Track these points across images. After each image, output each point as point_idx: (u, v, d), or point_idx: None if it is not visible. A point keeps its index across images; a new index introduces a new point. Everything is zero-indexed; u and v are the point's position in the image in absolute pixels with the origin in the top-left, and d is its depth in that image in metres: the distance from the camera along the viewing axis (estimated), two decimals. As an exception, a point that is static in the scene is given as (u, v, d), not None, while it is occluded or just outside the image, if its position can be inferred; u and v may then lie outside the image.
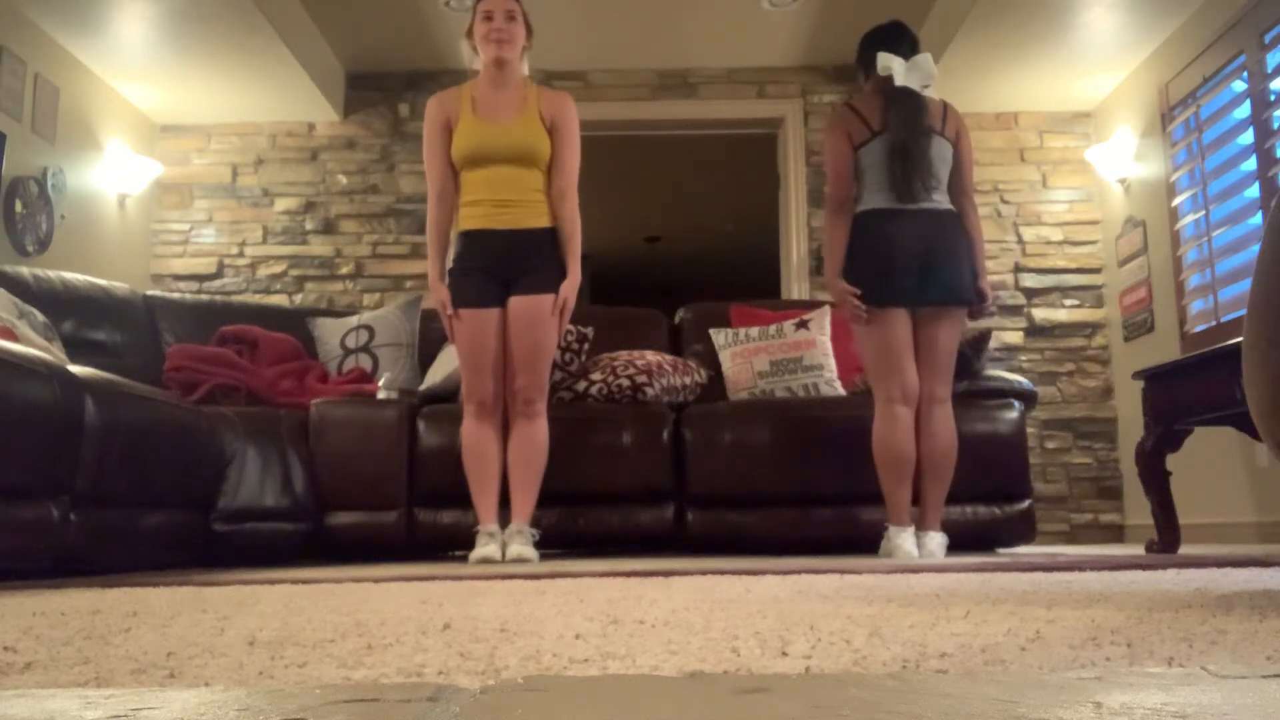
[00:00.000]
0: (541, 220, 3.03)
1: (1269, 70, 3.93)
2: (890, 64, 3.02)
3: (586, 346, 3.75)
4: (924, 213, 2.94)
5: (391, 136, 5.45)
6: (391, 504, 3.37)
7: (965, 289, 2.97)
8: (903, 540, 2.87)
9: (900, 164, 2.94)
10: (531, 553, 2.91)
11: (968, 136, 3.11)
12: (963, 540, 3.41)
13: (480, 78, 3.11)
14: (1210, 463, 4.09)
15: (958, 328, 3.03)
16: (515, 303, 3.01)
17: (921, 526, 2.96)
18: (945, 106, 3.08)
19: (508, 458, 3.04)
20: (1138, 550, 3.55)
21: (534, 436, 3.02)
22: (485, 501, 3.00)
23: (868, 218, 2.98)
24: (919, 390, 2.98)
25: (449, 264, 3.10)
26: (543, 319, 3.00)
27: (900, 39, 3.09)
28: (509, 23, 3.04)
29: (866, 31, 3.18)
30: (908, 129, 2.95)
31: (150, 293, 4.12)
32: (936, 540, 2.94)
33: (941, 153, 3.00)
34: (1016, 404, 3.53)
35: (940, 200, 2.98)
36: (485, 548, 2.90)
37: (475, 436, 3.02)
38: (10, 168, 4.07)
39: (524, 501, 3.01)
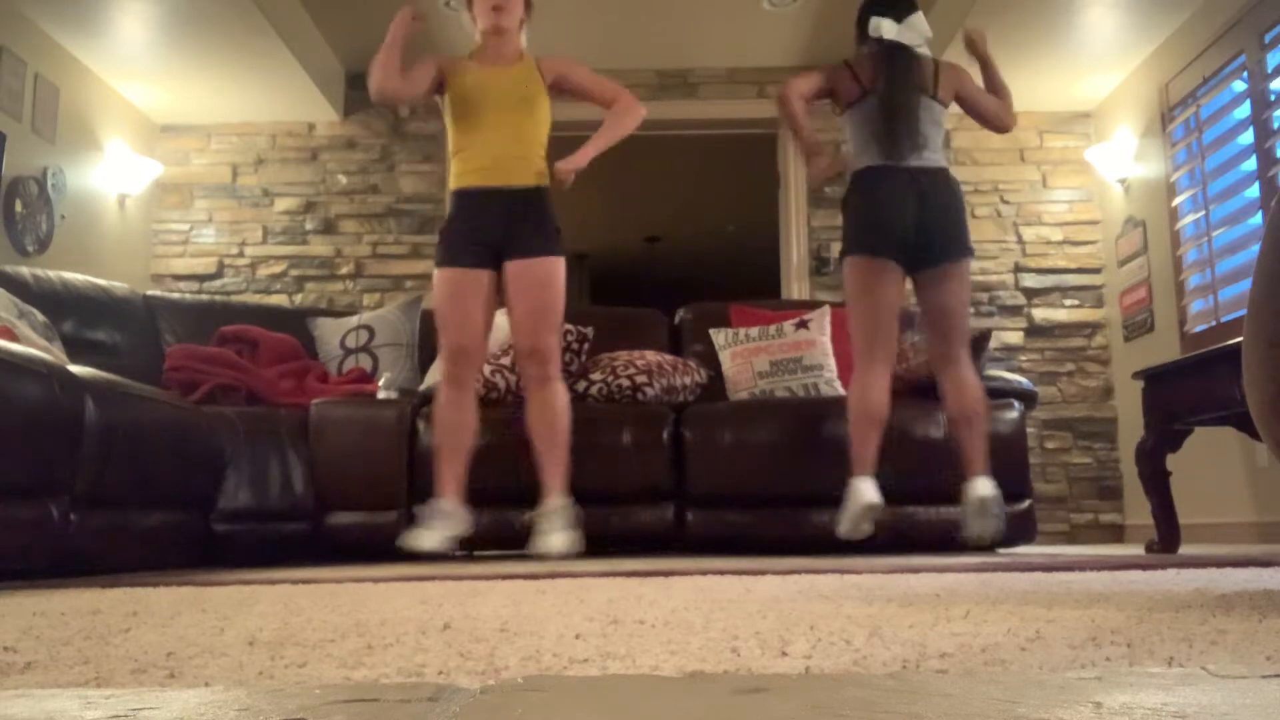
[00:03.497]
0: (533, 178, 2.99)
1: (1269, 70, 3.93)
2: (881, 24, 3.06)
3: (586, 346, 3.75)
4: (915, 170, 2.97)
5: (391, 136, 5.45)
6: (391, 504, 3.37)
7: (963, 243, 3.00)
8: (862, 485, 2.93)
9: (886, 120, 2.98)
10: (572, 540, 2.80)
11: (969, 82, 3.15)
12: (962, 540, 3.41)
13: (479, 46, 3.11)
14: (1210, 463, 4.09)
15: (964, 285, 3.04)
16: (514, 267, 2.95)
17: (970, 474, 2.99)
18: (938, 65, 3.10)
19: (530, 434, 2.93)
20: (1138, 550, 3.55)
21: (551, 402, 2.92)
22: (450, 471, 2.87)
23: (861, 175, 3.03)
24: (935, 355, 3.05)
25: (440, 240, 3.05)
26: (546, 279, 2.93)
27: (895, 2, 3.11)
28: None
29: None
30: (895, 85, 3.00)
31: (150, 293, 4.12)
32: (989, 485, 2.96)
33: (932, 114, 3.04)
34: (1016, 404, 3.53)
35: (931, 158, 3.01)
36: (427, 534, 2.76)
37: (449, 404, 2.90)
38: (10, 168, 4.07)
39: (555, 473, 2.90)
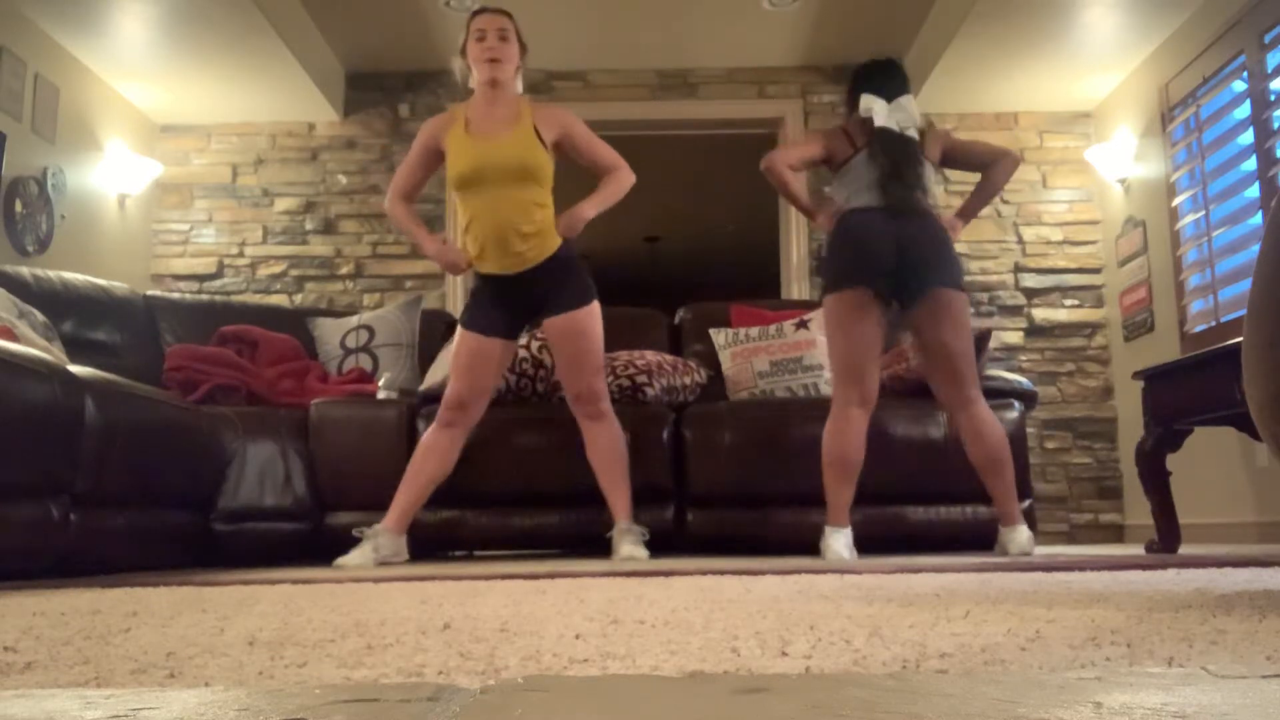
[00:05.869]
0: (551, 246, 3.01)
1: (1269, 70, 3.93)
2: (872, 105, 3.06)
3: (586, 346, 3.75)
4: (900, 207, 2.93)
5: (391, 136, 5.45)
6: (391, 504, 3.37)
7: (952, 272, 2.93)
8: (835, 540, 2.88)
9: (881, 169, 2.96)
10: (642, 552, 2.91)
11: (952, 138, 3.18)
12: (963, 540, 3.41)
13: (474, 97, 3.08)
14: (1210, 463, 4.09)
15: (962, 321, 2.94)
16: (552, 323, 3.04)
17: (1005, 524, 2.96)
18: (923, 135, 3.09)
19: (592, 465, 3.06)
20: (1138, 550, 3.55)
21: (606, 433, 3.05)
22: (405, 500, 2.97)
23: (846, 216, 2.99)
24: (946, 401, 2.99)
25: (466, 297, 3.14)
26: (582, 329, 3.02)
27: (888, 79, 3.12)
28: (502, 43, 3.00)
29: (860, 66, 3.22)
30: (897, 154, 2.98)
31: (150, 293, 4.12)
32: (1024, 534, 2.93)
33: (925, 173, 3.04)
34: (1016, 404, 3.53)
35: (922, 201, 2.99)
36: (360, 553, 2.85)
37: (434, 443, 3.00)
38: (10, 168, 4.07)
39: (620, 499, 3.03)
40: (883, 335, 2.95)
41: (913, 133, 3.06)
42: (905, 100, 3.07)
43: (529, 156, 2.97)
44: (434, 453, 3.00)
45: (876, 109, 3.04)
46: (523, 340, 3.53)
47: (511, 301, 3.05)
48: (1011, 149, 3.21)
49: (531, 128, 3.01)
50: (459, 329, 3.08)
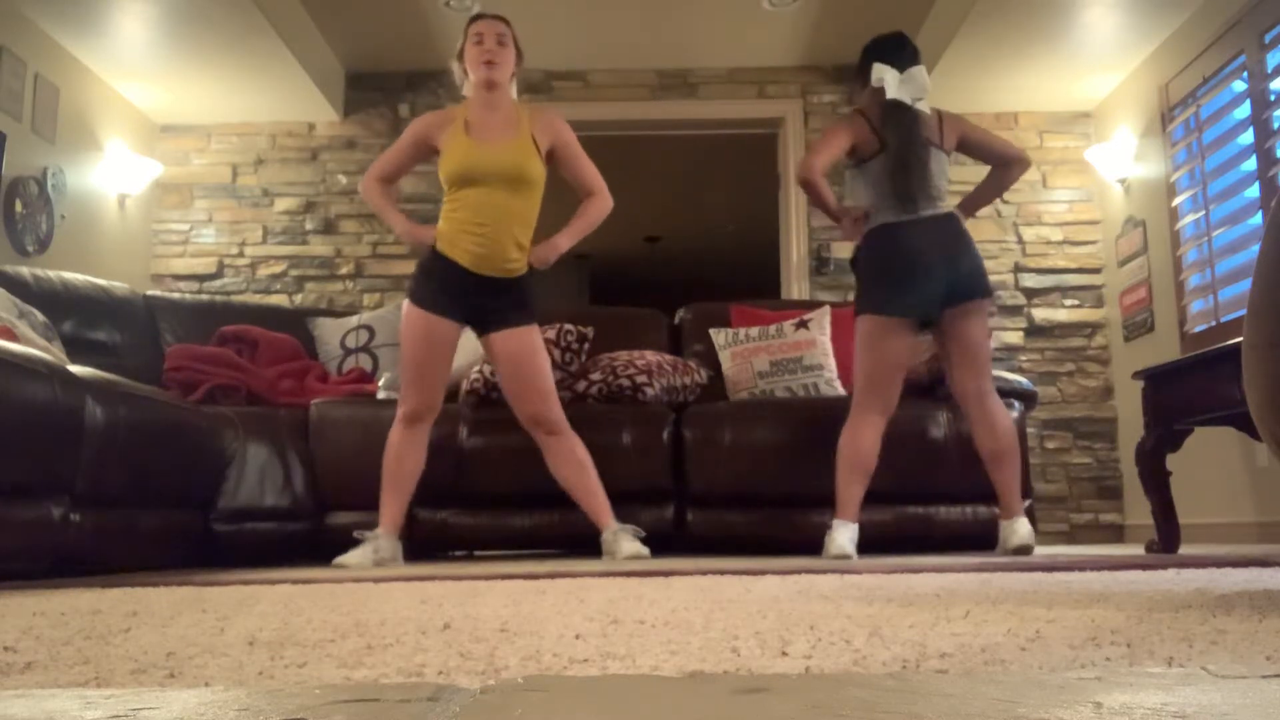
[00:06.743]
0: (524, 263, 3.02)
1: (1269, 70, 3.93)
2: (884, 75, 3.07)
3: (586, 346, 3.75)
4: (929, 220, 2.97)
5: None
6: (391, 504, 3.36)
7: (987, 282, 3.02)
8: (840, 533, 2.91)
9: (901, 176, 2.98)
10: (644, 549, 2.90)
11: (970, 126, 3.17)
12: (963, 540, 3.41)
13: (471, 100, 3.09)
14: (1210, 463, 4.09)
15: (985, 320, 3.04)
16: (498, 339, 3.00)
17: (1006, 517, 3.01)
18: (940, 116, 3.12)
19: (561, 482, 3.05)
20: (1138, 550, 3.55)
21: (569, 447, 3.03)
22: (392, 503, 2.97)
23: (881, 232, 3.01)
24: (963, 391, 3.03)
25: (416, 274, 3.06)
26: (530, 348, 3.00)
27: (900, 50, 3.13)
28: (499, 47, 3.03)
29: (870, 40, 3.22)
30: (905, 142, 3.01)
31: (150, 293, 4.12)
32: (1024, 526, 2.97)
33: (941, 166, 3.05)
34: (1016, 404, 3.53)
35: (942, 208, 3.03)
36: (360, 553, 2.84)
37: (403, 442, 2.98)
38: (10, 168, 4.07)
39: (600, 505, 3.02)
40: (912, 351, 3.04)
41: (924, 106, 3.07)
42: (916, 71, 3.08)
43: (527, 166, 2.99)
44: (408, 450, 2.98)
45: (888, 79, 3.05)
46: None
47: (464, 294, 2.97)
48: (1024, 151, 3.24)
49: (530, 137, 3.03)
50: (408, 306, 2.98)
